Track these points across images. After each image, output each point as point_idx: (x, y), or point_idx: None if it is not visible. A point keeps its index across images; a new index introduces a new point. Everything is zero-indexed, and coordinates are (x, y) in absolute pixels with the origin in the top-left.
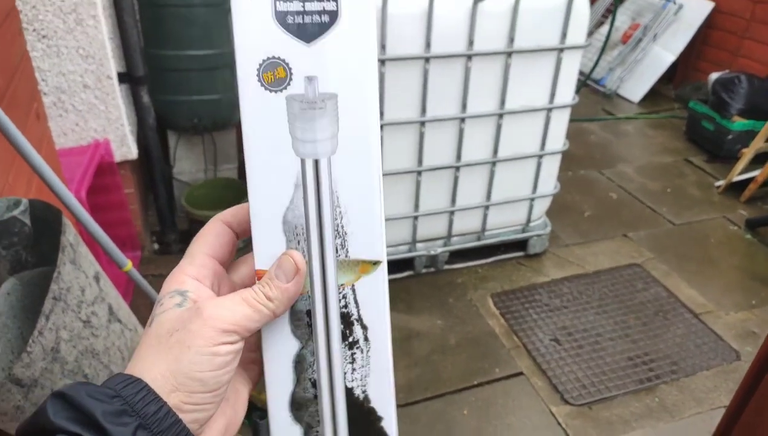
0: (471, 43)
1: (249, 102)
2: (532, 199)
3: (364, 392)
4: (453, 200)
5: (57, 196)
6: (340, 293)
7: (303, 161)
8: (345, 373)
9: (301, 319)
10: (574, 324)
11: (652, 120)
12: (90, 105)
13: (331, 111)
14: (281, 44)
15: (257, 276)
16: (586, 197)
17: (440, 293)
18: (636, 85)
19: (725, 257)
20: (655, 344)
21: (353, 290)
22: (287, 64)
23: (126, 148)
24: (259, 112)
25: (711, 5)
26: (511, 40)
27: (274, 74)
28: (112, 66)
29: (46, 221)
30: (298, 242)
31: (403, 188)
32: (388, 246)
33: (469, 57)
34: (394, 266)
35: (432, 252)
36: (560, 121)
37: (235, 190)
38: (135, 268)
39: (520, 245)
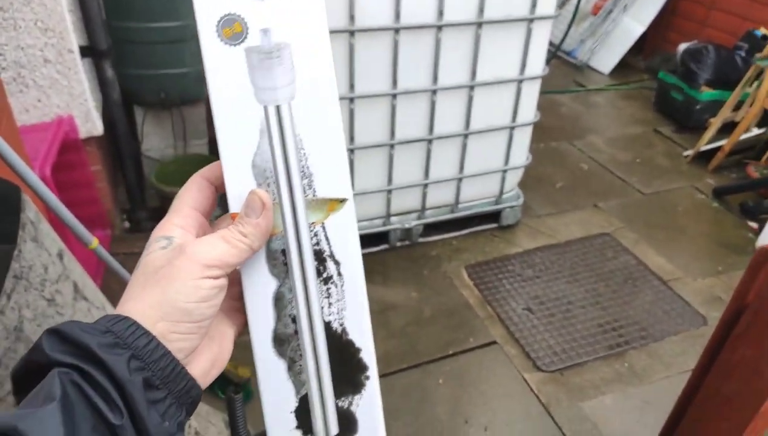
0: (441, 13)
1: (211, 57)
2: (505, 171)
3: (341, 325)
4: (426, 173)
5: (16, 173)
6: (311, 230)
7: (265, 108)
8: (322, 307)
9: (277, 258)
10: (546, 293)
11: (622, 91)
12: (52, 80)
13: (286, 59)
14: (236, 1)
15: (232, 218)
16: (558, 169)
17: (415, 266)
18: (606, 57)
19: (693, 225)
20: (624, 310)
21: (323, 228)
22: (243, 19)
23: (91, 124)
24: (222, 66)
25: None
26: (481, 10)
27: (232, 29)
28: (73, 39)
29: (5, 198)
30: (268, 185)
31: (376, 162)
32: (362, 220)
33: (440, 28)
34: (368, 239)
35: (406, 225)
36: (531, 93)
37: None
38: (106, 247)
39: (494, 216)
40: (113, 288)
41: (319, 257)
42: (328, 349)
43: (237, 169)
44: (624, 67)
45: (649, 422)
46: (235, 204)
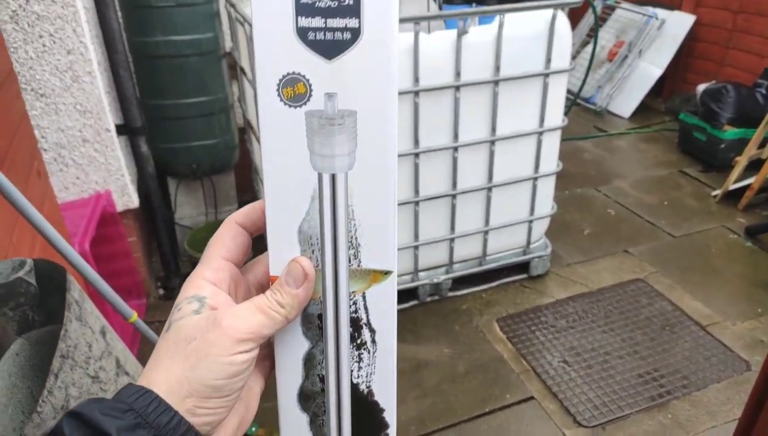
0: (458, 74)
1: (268, 117)
2: (531, 222)
3: (368, 387)
4: (452, 227)
5: (60, 253)
6: (351, 299)
7: (320, 175)
8: (352, 371)
9: (312, 322)
10: (581, 344)
11: (644, 134)
12: (90, 158)
13: (349, 128)
14: (302, 60)
15: (271, 281)
16: (585, 215)
17: (446, 321)
18: (626, 101)
19: (727, 266)
20: (664, 359)
21: (364, 297)
22: (307, 80)
23: (127, 197)
24: (278, 127)
25: (692, 18)
26: (497, 68)
27: (294, 90)
28: (110, 119)
29: (51, 279)
30: (312, 252)
31: (402, 219)
32: None
33: (458, 88)
34: (398, 296)
35: (435, 280)
36: (552, 143)
37: None
38: (141, 315)
39: (523, 267)
40: (148, 357)
41: (356, 324)
42: (353, 408)
43: (282, 233)
44: (644, 110)
45: None
46: (276, 267)
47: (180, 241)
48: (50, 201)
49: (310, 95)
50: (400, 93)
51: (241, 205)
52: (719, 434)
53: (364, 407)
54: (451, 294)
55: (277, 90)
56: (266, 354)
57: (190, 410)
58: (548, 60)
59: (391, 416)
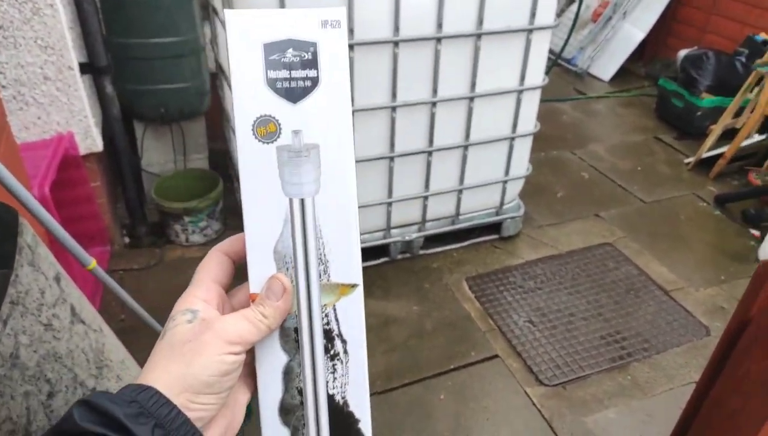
0: (440, 25)
1: (245, 152)
2: (505, 182)
3: (343, 398)
4: (426, 185)
5: (13, 196)
6: (323, 312)
7: (291, 201)
8: (327, 382)
9: (289, 335)
10: (548, 305)
11: (623, 98)
12: (51, 97)
13: (314, 158)
14: (272, 104)
15: (251, 299)
16: (559, 178)
17: (416, 279)
18: (607, 64)
19: (695, 233)
20: (627, 322)
21: (334, 309)
22: (277, 121)
23: (90, 140)
24: (254, 161)
25: None
26: (480, 21)
27: (266, 129)
28: (73, 56)
29: (4, 222)
30: (287, 269)
31: (375, 175)
32: (362, 233)
33: (439, 40)
34: (369, 252)
35: (407, 238)
36: (531, 103)
37: (206, 181)
38: (104, 263)
39: (495, 227)
40: (112, 306)
41: (329, 335)
42: (330, 419)
43: (260, 254)
44: (624, 74)
45: None
46: (255, 285)
47: (147, 189)
48: (7, 140)
49: (280, 133)
50: (380, 42)
51: (211, 153)
52: (675, 396)
53: (341, 418)
54: (422, 252)
55: (252, 129)
56: (251, 371)
57: (184, 405)
58: (532, 14)
59: (366, 427)
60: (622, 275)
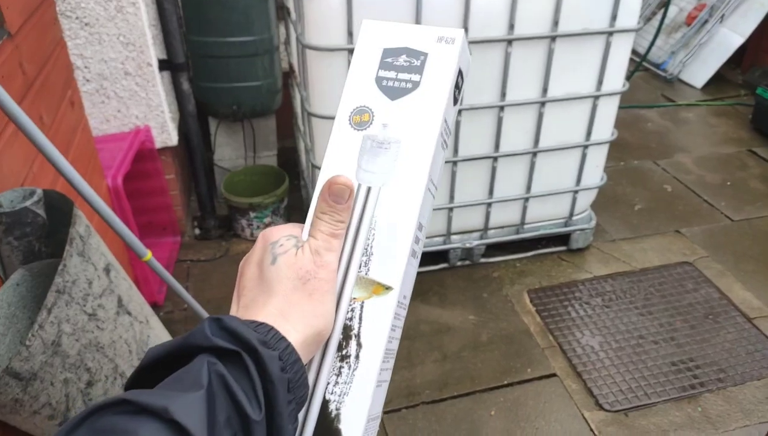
0: (512, 27)
1: (337, 134)
2: (576, 192)
3: (338, 409)
4: (490, 192)
5: (73, 187)
6: (350, 305)
7: (359, 186)
8: (328, 383)
9: None
10: (615, 324)
11: (716, 107)
12: (131, 92)
13: (392, 152)
14: (373, 97)
15: None
16: (638, 189)
17: (475, 287)
18: (700, 70)
19: None
20: (702, 348)
21: (361, 307)
22: (372, 112)
23: (166, 134)
24: (342, 143)
25: None
26: (555, 23)
27: (361, 118)
28: (152, 53)
29: (59, 212)
30: None
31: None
32: None
33: (509, 42)
34: (427, 257)
35: (467, 245)
36: (608, 109)
37: (274, 177)
38: (174, 252)
39: (562, 239)
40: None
41: (347, 332)
42: (316, 429)
43: None
44: (719, 81)
45: None
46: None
47: (218, 182)
48: (83, 132)
49: (371, 124)
50: None
51: (280, 151)
52: (751, 435)
53: (326, 432)
54: (483, 260)
55: (350, 116)
56: None
57: (304, 342)
58: (613, 17)
59: None
60: (700, 298)
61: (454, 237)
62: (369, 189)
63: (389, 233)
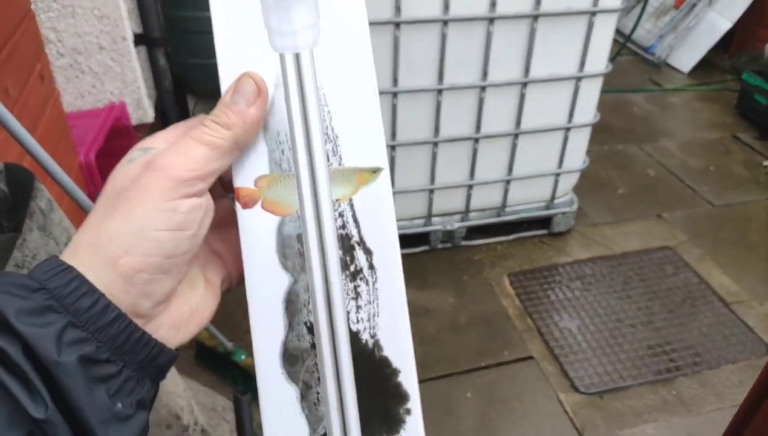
0: (493, 5)
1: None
2: (558, 175)
3: (373, 336)
4: (472, 174)
5: (38, 162)
6: (335, 209)
7: (282, 57)
8: (348, 312)
9: (290, 247)
10: (594, 308)
11: (702, 92)
12: (106, 67)
13: None
14: None
15: (236, 194)
16: (621, 173)
17: (455, 270)
18: (687, 54)
19: (766, 243)
20: (679, 332)
21: (351, 206)
22: None
23: (142, 111)
24: (231, 4)
25: None
26: (538, 2)
27: None
28: (128, 27)
29: (19, 185)
30: (282, 152)
31: (418, 160)
32: (401, 220)
33: (491, 20)
34: (409, 240)
35: (448, 227)
36: (591, 91)
37: None
38: None
39: (544, 222)
40: None
41: (346, 243)
42: (356, 370)
43: None
44: (706, 66)
45: None
46: (241, 176)
47: None
48: (54, 107)
49: None
50: (428, 21)
51: None
52: (724, 417)
53: (371, 367)
54: (464, 243)
55: None
56: (224, 251)
57: (125, 274)
58: None
59: (409, 380)
60: (679, 282)
61: (435, 219)
62: (297, 56)
63: (347, 102)
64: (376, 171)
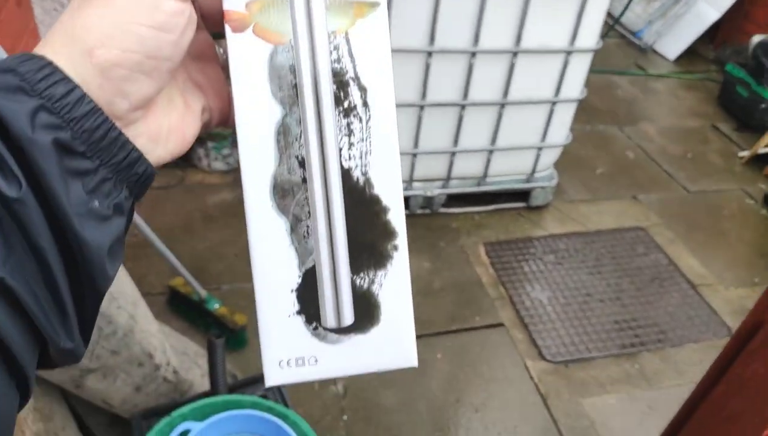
0: None
1: None
2: (540, 148)
3: (364, 174)
4: (455, 141)
5: None
6: (330, 42)
7: None
8: (341, 148)
9: (283, 77)
10: (565, 281)
11: (685, 80)
12: None
13: None
14: None
15: (225, 17)
16: (601, 154)
17: (432, 236)
18: (674, 42)
19: (736, 230)
20: (645, 310)
21: (347, 40)
22: None
23: None
24: None
25: None
26: None
27: None
28: None
29: None
30: None
31: (403, 123)
32: None
33: None
34: None
35: (429, 193)
36: (580, 67)
37: None
38: None
39: (523, 195)
40: None
41: (340, 78)
42: (347, 205)
43: None
44: (691, 54)
45: (650, 429)
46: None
47: None
48: (31, 37)
49: None
50: None
51: None
52: (682, 392)
53: (362, 204)
54: (443, 210)
55: None
56: (208, 82)
57: (102, 67)
58: None
59: (398, 218)
60: (649, 263)
61: (416, 184)
62: None
63: None
64: (374, 5)
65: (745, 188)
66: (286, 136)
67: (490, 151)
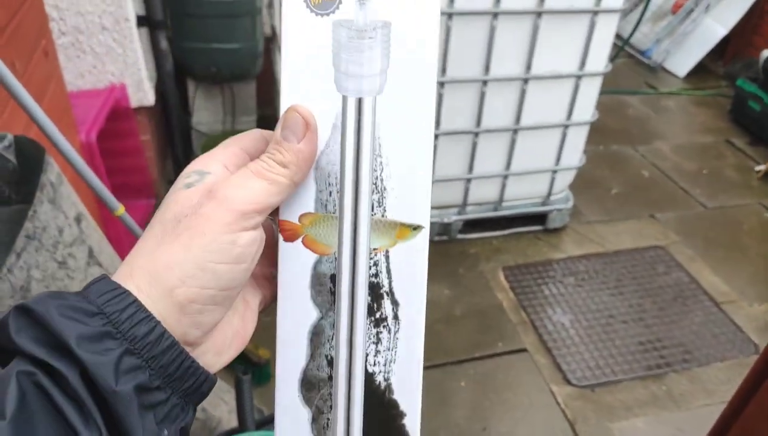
0: (497, 0)
1: (291, 26)
2: (555, 172)
3: (386, 380)
4: (470, 167)
5: (45, 135)
6: (371, 258)
7: (345, 99)
8: (367, 354)
9: (324, 284)
10: (586, 303)
11: (697, 97)
12: (107, 47)
13: (382, 42)
14: None
15: (279, 226)
16: (616, 173)
17: (451, 263)
18: (683, 59)
19: (756, 245)
20: (669, 330)
21: (386, 258)
22: None
23: (142, 93)
24: (302, 38)
25: None
26: None
27: None
28: (131, 8)
29: (30, 158)
30: (330, 194)
31: None
32: None
33: (495, 15)
34: None
35: (445, 220)
36: (590, 90)
37: None
38: (147, 215)
39: (540, 218)
40: None
41: (375, 291)
42: (366, 406)
43: None
44: (701, 71)
45: None
46: (287, 210)
47: (195, 146)
48: (57, 84)
49: (340, 2)
50: None
51: (260, 117)
52: (712, 413)
53: (380, 406)
54: (460, 236)
55: None
56: (268, 274)
57: (180, 304)
58: None
59: (413, 423)
60: (671, 281)
61: (432, 211)
62: (360, 100)
63: (402, 157)
64: (417, 228)
65: (763, 202)
66: (319, 336)
67: (505, 177)
